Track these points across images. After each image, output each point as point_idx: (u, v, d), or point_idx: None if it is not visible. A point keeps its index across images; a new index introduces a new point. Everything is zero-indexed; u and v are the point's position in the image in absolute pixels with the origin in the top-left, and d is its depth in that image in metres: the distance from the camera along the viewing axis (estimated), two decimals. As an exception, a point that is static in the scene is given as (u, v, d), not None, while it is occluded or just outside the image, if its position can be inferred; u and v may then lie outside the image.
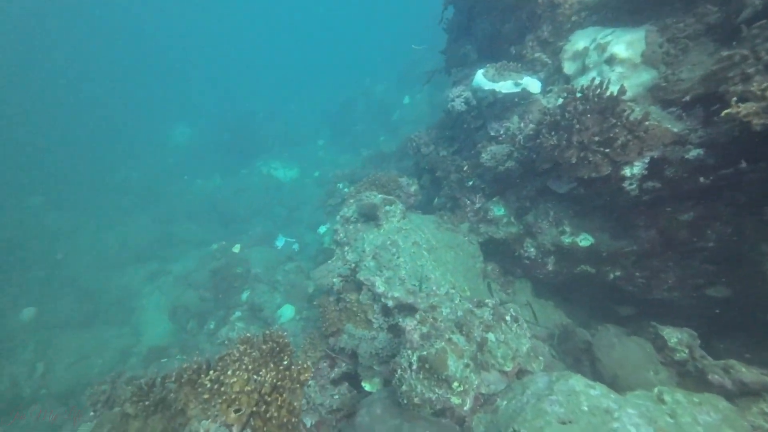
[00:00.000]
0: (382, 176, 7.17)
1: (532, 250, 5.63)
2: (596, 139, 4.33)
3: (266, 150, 23.60)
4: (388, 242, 5.65)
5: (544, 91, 5.47)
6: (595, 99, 4.35)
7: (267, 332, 4.27)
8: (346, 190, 12.62)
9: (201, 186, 20.99)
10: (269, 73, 47.02)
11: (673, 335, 4.65)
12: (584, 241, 5.15)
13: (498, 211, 6.05)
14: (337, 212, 13.01)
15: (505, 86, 5.30)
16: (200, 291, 10.72)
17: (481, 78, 5.49)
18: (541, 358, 4.69)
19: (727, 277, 4.56)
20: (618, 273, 5.19)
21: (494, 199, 6.19)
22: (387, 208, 6.09)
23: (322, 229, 12.99)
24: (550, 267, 5.58)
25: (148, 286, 11.12)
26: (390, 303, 5.27)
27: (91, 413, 4.95)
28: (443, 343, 4.32)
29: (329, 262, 6.28)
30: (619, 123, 4.25)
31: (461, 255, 5.96)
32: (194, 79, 40.03)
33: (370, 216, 6.07)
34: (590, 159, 4.36)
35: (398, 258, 5.47)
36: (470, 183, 6.28)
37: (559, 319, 5.75)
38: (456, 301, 5.18)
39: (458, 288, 5.49)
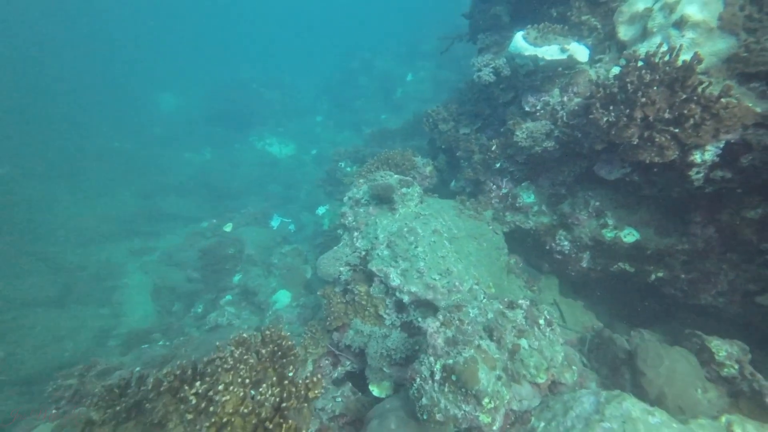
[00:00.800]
0: (395, 154, 6.41)
1: (566, 243, 4.99)
2: (665, 116, 3.62)
3: (261, 123, 22.43)
4: (405, 229, 4.95)
5: (592, 61, 4.70)
6: (666, 68, 3.62)
7: (267, 332, 3.59)
8: (348, 169, 11.82)
9: (190, 159, 19.88)
10: (266, 40, 44.79)
11: (721, 348, 4.10)
12: (629, 236, 4.52)
13: (528, 198, 5.37)
14: (339, 192, 12.34)
15: (550, 51, 4.52)
16: (188, 271, 9.98)
17: (520, 41, 4.69)
18: (574, 367, 4.11)
19: (789, 284, 3.99)
20: (661, 274, 4.59)
21: (523, 184, 5.50)
22: (404, 190, 5.37)
23: (321, 210, 12.23)
24: (584, 264, 4.96)
25: (130, 264, 10.33)
26: (406, 298, 4.63)
27: (53, 410, 4.28)
28: (473, 351, 3.70)
29: (335, 248, 5.58)
30: (692, 98, 3.54)
31: (485, 246, 5.31)
32: (182, 45, 37.85)
33: (383, 198, 5.35)
34: (656, 139, 3.66)
35: (416, 248, 4.79)
36: (498, 165, 5.57)
37: (589, 322, 5.18)
38: (481, 299, 4.56)
39: (482, 283, 4.85)
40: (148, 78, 27.43)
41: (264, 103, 23.62)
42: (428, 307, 4.65)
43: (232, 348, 3.28)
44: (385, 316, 4.91)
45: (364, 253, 5.32)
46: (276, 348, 3.46)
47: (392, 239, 4.99)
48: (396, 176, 5.65)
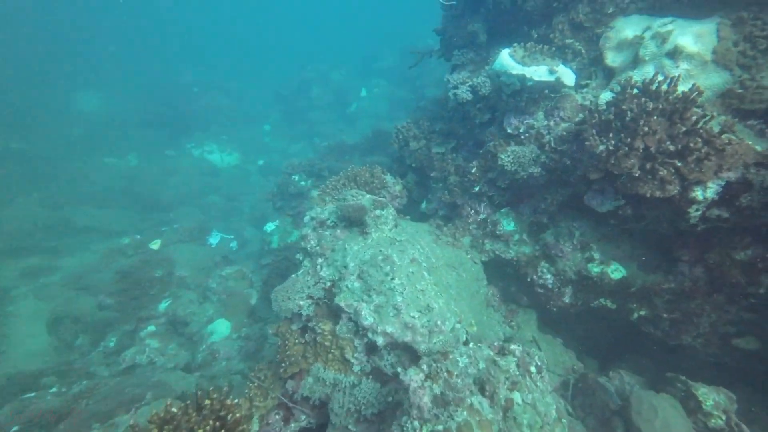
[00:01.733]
0: (363, 171, 5.76)
1: (549, 277, 4.66)
2: (669, 147, 3.42)
3: (202, 129, 20.55)
4: (380, 257, 4.27)
5: (578, 85, 4.52)
6: (668, 97, 3.45)
7: (207, 401, 2.65)
8: (303, 183, 10.91)
9: (112, 165, 17.42)
10: (213, 44, 42.22)
11: (709, 397, 3.96)
12: (616, 272, 4.28)
13: (508, 225, 5.00)
14: (291, 208, 11.29)
15: (538, 72, 4.25)
16: (100, 297, 8.27)
17: (507, 59, 4.37)
18: (564, 420, 3.67)
19: (763, 327, 3.97)
20: (644, 312, 4.40)
21: (503, 210, 5.14)
22: (378, 212, 4.71)
23: (270, 227, 11.09)
24: (566, 299, 4.64)
25: (22, 287, 8.34)
26: (380, 340, 3.91)
27: None
28: (465, 413, 3.09)
29: (294, 276, 4.72)
30: (695, 131, 3.39)
31: (464, 277, 4.80)
32: (113, 41, 34.17)
33: (354, 221, 4.64)
34: (659, 172, 3.44)
35: (392, 279, 4.12)
36: (476, 188, 5.16)
37: (570, 362, 4.85)
38: (464, 340, 3.99)
39: (464, 321, 4.30)
40: (66, 74, 23.97)
41: (206, 108, 21.78)
42: (406, 351, 3.97)
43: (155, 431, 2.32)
44: (353, 360, 4.13)
45: (329, 284, 4.54)
46: (218, 424, 2.55)
47: (364, 269, 4.28)
48: (368, 196, 4.99)
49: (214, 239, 11.81)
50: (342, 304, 4.11)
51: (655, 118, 3.48)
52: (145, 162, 17.73)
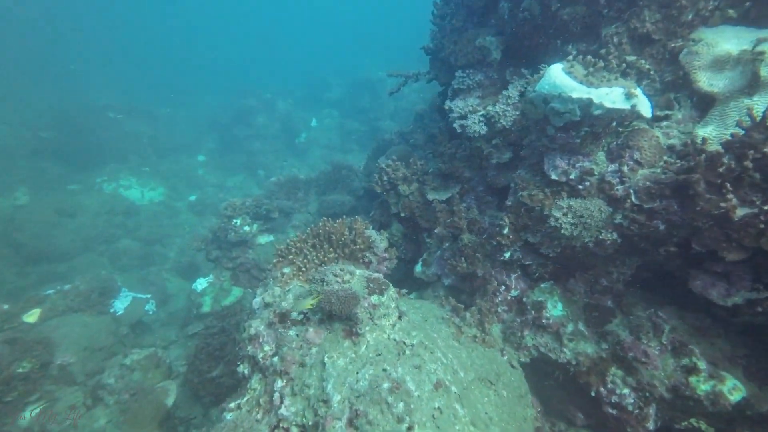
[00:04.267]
0: (339, 227, 4.00)
1: (626, 392, 3.18)
2: None
3: (119, 160, 17.30)
4: (386, 385, 2.50)
5: (654, 117, 3.29)
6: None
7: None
8: (246, 228, 8.74)
9: (-6, 204, 13.58)
10: (144, 66, 38.01)
11: None
12: (735, 392, 2.92)
13: (554, 309, 3.52)
14: (229, 260, 8.95)
15: (611, 97, 2.95)
16: None
17: (563, 78, 3.04)
18: None
19: None
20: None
21: (543, 286, 3.66)
22: (374, 299, 2.97)
23: (202, 284, 8.68)
24: (650, 425, 3.18)
25: None
26: None
27: None
28: None
29: (233, 416, 2.72)
30: None
31: (506, 396, 3.15)
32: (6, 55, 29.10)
33: (337, 314, 2.84)
34: None
35: (410, 430, 2.35)
36: (507, 255, 3.64)
37: None
38: None
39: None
40: None
41: (124, 135, 18.56)
42: None
43: None
44: None
45: (297, 429, 2.63)
46: None
47: (360, 407, 2.46)
48: (359, 272, 3.22)
49: (121, 303, 8.93)
50: (328, 495, 2.23)
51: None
52: (39, 200, 14.06)
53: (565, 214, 3.15)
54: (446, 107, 4.55)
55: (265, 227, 9.16)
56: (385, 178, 4.94)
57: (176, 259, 13.46)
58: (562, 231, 3.14)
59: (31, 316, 7.81)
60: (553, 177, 3.44)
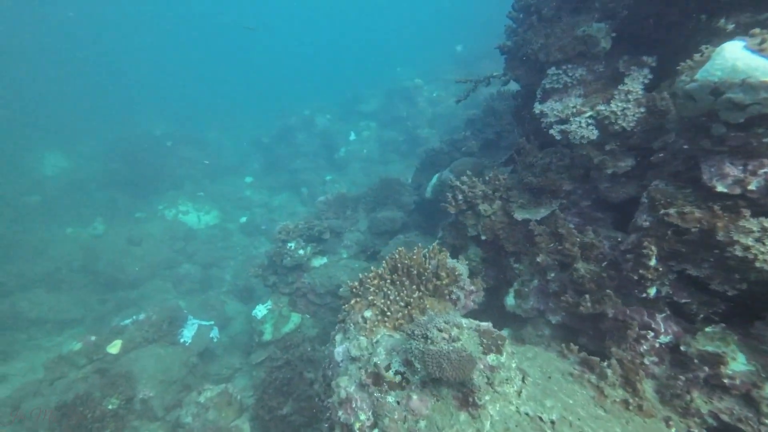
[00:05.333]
0: (415, 257, 3.54)
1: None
2: None
3: (176, 187, 18.15)
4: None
5: None
6: None
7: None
8: (301, 252, 8.55)
9: (74, 236, 14.62)
10: (185, 94, 40.45)
11: None
12: None
13: (736, 363, 2.79)
14: (286, 285, 8.80)
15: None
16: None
17: (748, 58, 2.41)
18: None
19: None
20: None
21: (712, 330, 2.93)
22: (492, 359, 2.45)
23: (261, 311, 8.59)
24: None
25: None
26: None
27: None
28: None
29: None
30: None
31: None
32: (78, 93, 31.97)
33: (445, 380, 2.36)
34: None
35: None
36: (653, 291, 2.98)
37: None
38: None
39: None
40: (27, 136, 21.20)
41: (180, 162, 19.49)
42: None
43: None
44: None
45: None
46: None
47: None
48: (465, 322, 2.71)
49: (189, 331, 9.09)
50: None
51: None
52: (112, 229, 14.99)
53: (759, 240, 2.46)
54: (536, 111, 3.97)
55: (318, 249, 8.93)
56: (460, 197, 4.43)
57: (232, 282, 13.71)
58: (757, 263, 2.45)
59: (114, 347, 8.10)
60: (720, 189, 2.72)
